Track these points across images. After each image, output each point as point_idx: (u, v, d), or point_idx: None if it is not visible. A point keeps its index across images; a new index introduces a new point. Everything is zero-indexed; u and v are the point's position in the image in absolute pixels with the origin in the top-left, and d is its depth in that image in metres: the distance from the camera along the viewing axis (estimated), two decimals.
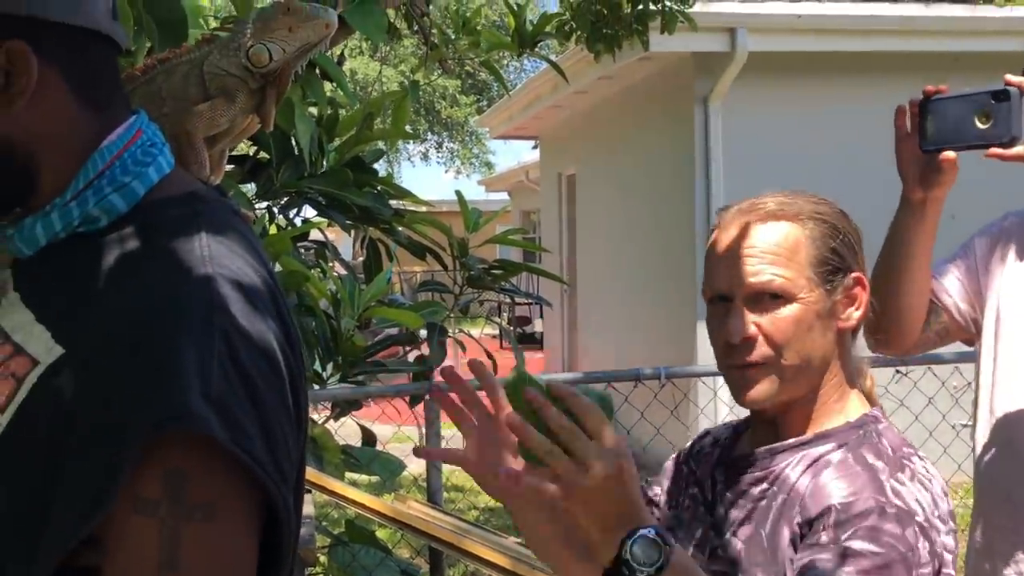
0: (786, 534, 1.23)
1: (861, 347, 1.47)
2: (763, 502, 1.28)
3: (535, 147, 13.70)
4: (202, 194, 1.04)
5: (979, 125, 1.68)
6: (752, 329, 1.29)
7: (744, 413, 1.43)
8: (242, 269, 0.96)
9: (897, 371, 1.96)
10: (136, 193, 0.99)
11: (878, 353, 1.99)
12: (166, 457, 0.85)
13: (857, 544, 1.14)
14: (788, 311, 1.28)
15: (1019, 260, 1.96)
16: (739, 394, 1.32)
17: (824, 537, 1.16)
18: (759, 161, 7.27)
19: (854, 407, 1.34)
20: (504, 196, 19.24)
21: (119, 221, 0.98)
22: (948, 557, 1.18)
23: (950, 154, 1.74)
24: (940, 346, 2.03)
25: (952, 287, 1.99)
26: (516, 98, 10.90)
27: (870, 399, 1.38)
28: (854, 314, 1.33)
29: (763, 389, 1.29)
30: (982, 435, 1.98)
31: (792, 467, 1.28)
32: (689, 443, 1.53)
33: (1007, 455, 1.91)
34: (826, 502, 1.19)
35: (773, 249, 1.30)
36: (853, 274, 1.33)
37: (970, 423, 2.15)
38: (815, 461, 1.27)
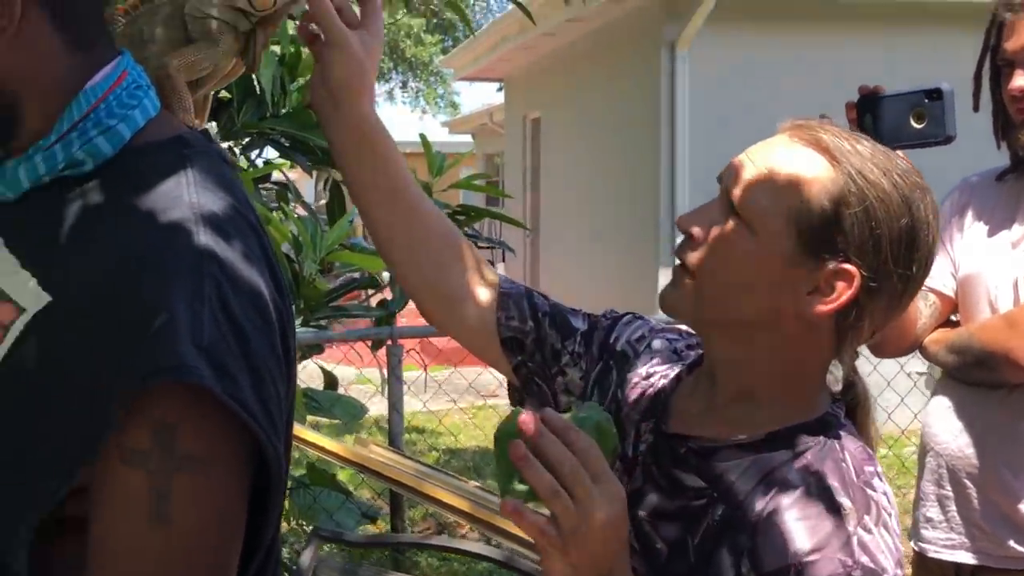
0: (727, 561, 1.06)
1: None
2: (697, 503, 1.11)
3: (500, 89, 13.60)
4: (188, 139, 1.01)
5: (915, 124, 1.67)
6: (696, 229, 1.12)
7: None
8: (231, 216, 0.95)
9: None
10: (122, 136, 0.97)
11: (883, 357, 2.00)
12: (156, 408, 0.84)
13: None
14: (737, 238, 1.09)
15: (973, 227, 2.01)
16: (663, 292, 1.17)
17: None
18: (726, 108, 7.26)
19: (814, 402, 1.14)
20: (468, 138, 19.11)
21: (105, 165, 0.96)
22: None
23: None
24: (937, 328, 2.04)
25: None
26: (482, 39, 10.79)
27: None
28: (819, 305, 1.08)
29: (676, 295, 1.14)
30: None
31: (739, 475, 1.09)
32: (625, 326, 1.33)
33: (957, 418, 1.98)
34: (785, 558, 1.02)
35: (772, 169, 1.09)
36: (844, 264, 1.07)
37: (927, 372, 2.18)
38: (768, 474, 1.08)
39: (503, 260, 15.21)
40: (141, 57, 1.10)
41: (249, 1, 1.12)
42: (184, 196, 0.94)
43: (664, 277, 7.35)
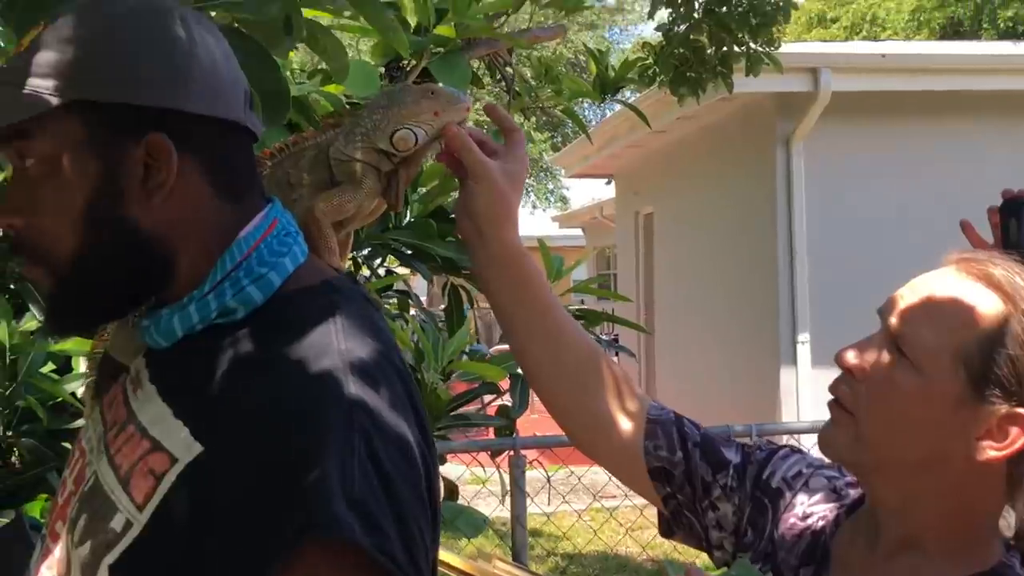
0: None
1: None
2: None
3: (608, 183, 13.66)
4: (336, 283, 1.03)
5: None
6: (855, 361, 1.07)
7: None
8: (378, 362, 0.96)
9: None
10: (272, 284, 0.99)
11: None
12: (308, 562, 0.84)
13: None
14: (900, 377, 1.03)
15: None
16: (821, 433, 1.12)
17: None
18: (843, 202, 7.17)
19: (986, 551, 1.07)
20: (578, 232, 19.19)
21: (255, 313, 0.98)
22: None
23: None
24: None
25: None
26: (593, 138, 10.88)
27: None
28: (990, 451, 1.01)
29: (835, 436, 1.08)
30: None
31: None
32: (781, 460, 1.26)
33: None
34: None
35: (940, 305, 1.03)
36: (1019, 408, 1.00)
37: None
38: None
39: (616, 355, 15.07)
40: (287, 200, 1.12)
41: (391, 143, 1.13)
42: (333, 344, 0.94)
43: (786, 376, 7.18)
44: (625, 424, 1.27)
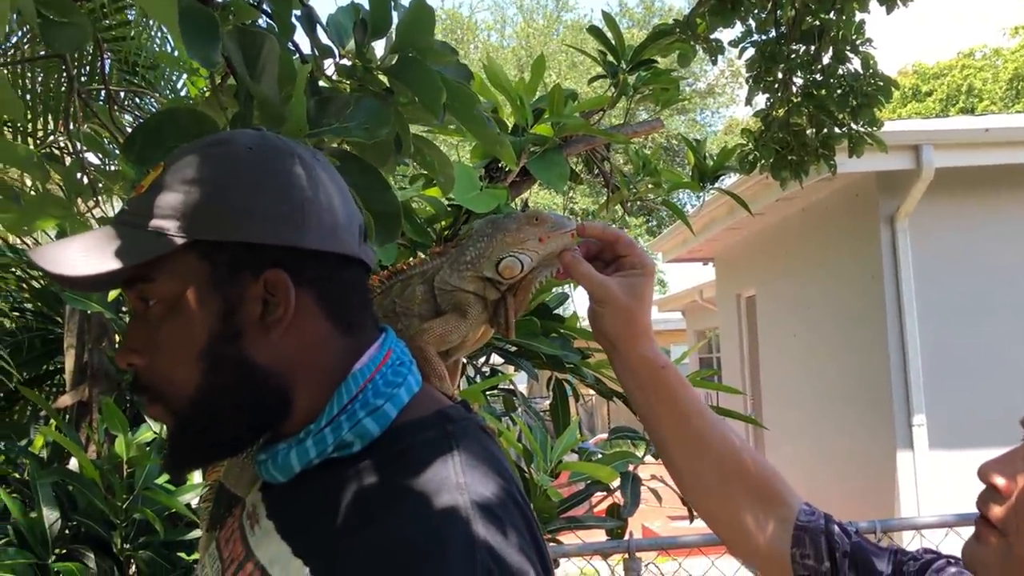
0: None
1: None
2: None
3: (706, 264, 13.55)
4: (450, 413, 1.01)
5: None
6: (1001, 481, 1.02)
7: None
8: (496, 494, 0.93)
9: None
10: (388, 416, 0.98)
11: None
12: None
13: None
14: None
15: None
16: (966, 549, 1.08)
17: None
18: (952, 279, 6.98)
19: None
20: (678, 315, 19.04)
21: (372, 445, 0.97)
22: None
23: None
24: None
25: None
26: (691, 224, 10.81)
27: None
28: None
29: (981, 553, 1.04)
30: None
31: None
32: (935, 573, 1.21)
33: None
34: None
35: None
36: None
37: None
38: None
39: None
40: (395, 328, 1.11)
41: (497, 271, 1.12)
42: (451, 477, 0.93)
43: (903, 461, 6.93)
44: (771, 529, 1.24)
